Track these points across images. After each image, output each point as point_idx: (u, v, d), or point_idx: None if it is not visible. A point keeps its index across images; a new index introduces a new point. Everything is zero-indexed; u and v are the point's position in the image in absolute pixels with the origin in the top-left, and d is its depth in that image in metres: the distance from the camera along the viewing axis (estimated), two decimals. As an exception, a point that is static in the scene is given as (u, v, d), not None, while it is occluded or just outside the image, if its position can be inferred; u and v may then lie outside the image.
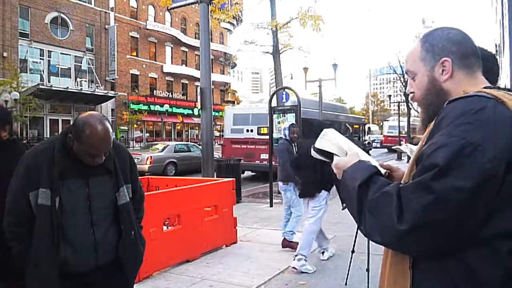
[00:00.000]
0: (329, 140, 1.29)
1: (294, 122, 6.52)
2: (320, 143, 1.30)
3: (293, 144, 5.83)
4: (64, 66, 31.33)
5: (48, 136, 26.86)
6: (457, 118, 0.98)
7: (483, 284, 0.94)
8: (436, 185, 0.93)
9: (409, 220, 0.94)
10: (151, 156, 16.12)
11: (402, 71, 27.09)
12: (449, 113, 1.01)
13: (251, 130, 14.46)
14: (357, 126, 24.40)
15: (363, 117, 35.74)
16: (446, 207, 0.92)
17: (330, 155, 1.28)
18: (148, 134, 38.39)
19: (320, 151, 1.30)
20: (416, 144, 1.43)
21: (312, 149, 1.34)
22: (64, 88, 28.12)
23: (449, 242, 0.96)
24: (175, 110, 39.07)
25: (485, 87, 1.09)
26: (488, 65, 1.88)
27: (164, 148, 17.41)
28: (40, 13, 29.04)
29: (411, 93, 1.24)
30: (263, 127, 13.39)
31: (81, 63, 32.45)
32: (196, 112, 39.12)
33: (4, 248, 2.00)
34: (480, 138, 0.93)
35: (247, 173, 15.92)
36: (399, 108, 36.32)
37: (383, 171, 1.21)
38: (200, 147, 21.78)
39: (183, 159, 17.04)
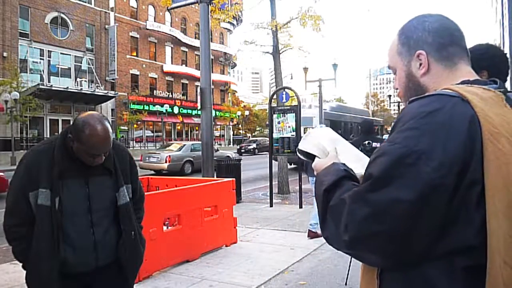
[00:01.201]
0: (311, 141, 1.24)
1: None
2: (302, 144, 1.25)
3: None
4: (64, 66, 31.33)
5: (48, 136, 26.87)
6: (406, 122, 0.91)
7: None
8: (372, 197, 0.88)
9: (350, 231, 0.90)
10: (169, 155, 16.93)
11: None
12: (403, 116, 0.95)
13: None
14: (376, 127, 26.87)
15: (381, 119, 37.34)
16: (384, 220, 0.86)
17: (312, 156, 1.23)
18: (153, 134, 38.44)
19: (302, 152, 1.25)
20: None
21: (296, 151, 1.31)
22: (64, 88, 28.13)
23: (398, 254, 0.90)
24: (175, 110, 39.09)
25: (461, 82, 1.00)
26: (496, 64, 1.86)
27: (181, 147, 18.41)
28: (40, 13, 29.04)
29: (396, 89, 1.17)
30: (309, 127, 16.73)
31: (81, 63, 32.46)
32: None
33: None
34: (425, 145, 0.85)
35: (248, 173, 16.06)
36: (399, 108, 36.41)
37: None
38: (216, 146, 23.55)
39: (199, 158, 17.68)
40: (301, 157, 1.27)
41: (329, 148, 1.20)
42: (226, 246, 5.70)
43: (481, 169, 0.85)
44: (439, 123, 0.87)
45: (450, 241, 0.86)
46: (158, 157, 16.78)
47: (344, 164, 1.11)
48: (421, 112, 0.90)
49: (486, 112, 0.88)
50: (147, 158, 17.18)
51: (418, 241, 0.87)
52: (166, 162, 16.60)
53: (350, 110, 25.50)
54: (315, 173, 1.18)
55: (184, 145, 18.82)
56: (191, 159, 17.52)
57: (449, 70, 1.04)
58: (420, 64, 1.05)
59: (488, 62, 1.77)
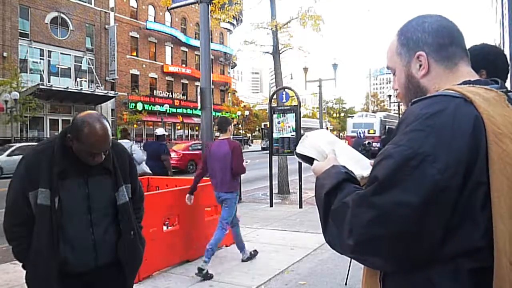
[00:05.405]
0: (309, 144, 1.21)
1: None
2: (300, 148, 1.23)
3: None
4: (64, 66, 31.32)
5: (48, 136, 26.87)
6: (409, 124, 0.90)
7: None
8: (377, 200, 0.86)
9: (355, 235, 0.89)
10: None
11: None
12: (406, 118, 0.93)
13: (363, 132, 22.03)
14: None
15: None
16: (389, 223, 0.84)
17: (311, 160, 1.20)
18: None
19: (301, 156, 1.23)
20: None
21: (295, 154, 1.29)
22: (64, 88, 28.12)
23: (403, 258, 0.88)
24: (175, 110, 39.05)
25: (463, 82, 0.98)
26: (492, 62, 1.86)
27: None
28: (40, 13, 29.04)
29: (395, 90, 1.15)
30: (370, 129, 22.77)
31: (81, 63, 32.44)
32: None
33: None
34: (430, 147, 0.84)
35: (248, 173, 16.12)
36: (399, 108, 36.46)
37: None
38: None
39: None
40: (300, 160, 1.25)
41: (327, 151, 1.17)
42: (226, 246, 5.70)
43: (487, 170, 0.84)
44: (443, 124, 0.86)
45: (456, 243, 0.85)
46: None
47: (344, 166, 1.09)
48: (424, 113, 0.89)
49: (490, 113, 0.87)
50: None
51: (424, 244, 0.86)
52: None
53: (393, 117, 37.00)
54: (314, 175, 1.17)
55: None
56: None
57: (449, 71, 1.02)
58: (420, 66, 1.04)
59: (484, 61, 1.76)
